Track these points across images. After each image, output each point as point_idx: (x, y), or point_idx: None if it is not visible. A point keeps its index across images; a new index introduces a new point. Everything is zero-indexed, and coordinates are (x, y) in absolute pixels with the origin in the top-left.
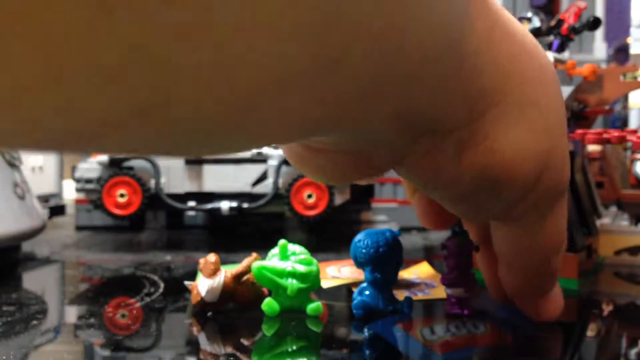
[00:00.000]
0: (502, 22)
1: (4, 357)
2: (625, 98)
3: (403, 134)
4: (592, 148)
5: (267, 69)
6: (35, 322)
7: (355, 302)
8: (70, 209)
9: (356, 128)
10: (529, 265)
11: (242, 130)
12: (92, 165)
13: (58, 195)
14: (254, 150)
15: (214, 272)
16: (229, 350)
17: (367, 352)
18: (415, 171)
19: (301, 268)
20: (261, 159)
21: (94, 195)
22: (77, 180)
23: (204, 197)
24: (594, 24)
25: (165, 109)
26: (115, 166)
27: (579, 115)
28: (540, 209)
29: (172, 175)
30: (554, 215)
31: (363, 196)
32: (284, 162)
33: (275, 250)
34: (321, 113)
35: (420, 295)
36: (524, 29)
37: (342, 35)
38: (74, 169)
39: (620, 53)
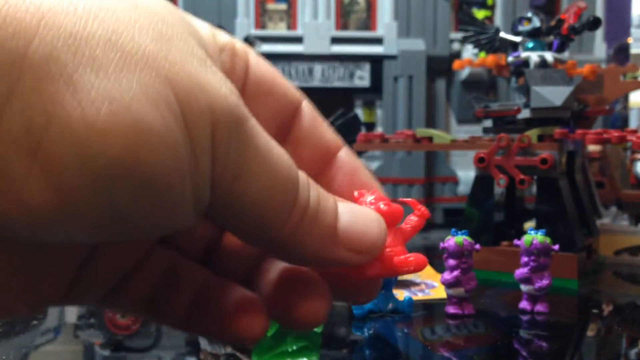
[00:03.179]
0: None
1: (4, 357)
2: (625, 98)
3: None
4: (592, 148)
5: None
6: (35, 322)
7: None
8: None
9: None
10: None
11: None
12: None
13: None
14: None
15: None
16: (229, 350)
17: (367, 352)
18: None
19: None
20: None
21: None
22: None
23: None
24: (594, 24)
25: None
26: None
27: (579, 115)
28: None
29: None
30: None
31: None
32: None
33: None
34: None
35: (420, 295)
36: None
37: None
38: None
39: (620, 53)
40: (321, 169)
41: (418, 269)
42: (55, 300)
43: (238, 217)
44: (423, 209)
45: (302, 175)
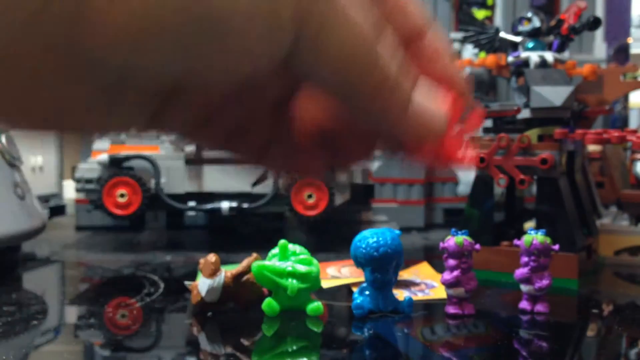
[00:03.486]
0: None
1: (4, 357)
2: (625, 98)
3: None
4: (592, 148)
5: None
6: (35, 322)
7: (355, 302)
8: (70, 209)
9: None
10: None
11: None
12: (92, 165)
13: (58, 195)
14: None
15: (214, 272)
16: (229, 350)
17: (367, 352)
18: None
19: (301, 268)
20: None
21: (94, 195)
22: (77, 180)
23: (204, 197)
24: (594, 24)
25: None
26: (115, 166)
27: (579, 115)
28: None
29: (172, 175)
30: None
31: (363, 196)
32: None
33: (275, 250)
34: None
35: (420, 295)
36: None
37: None
38: (74, 169)
39: (620, 53)
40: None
41: (466, 163)
42: (134, 128)
43: (321, 73)
44: (478, 109)
45: (389, 42)
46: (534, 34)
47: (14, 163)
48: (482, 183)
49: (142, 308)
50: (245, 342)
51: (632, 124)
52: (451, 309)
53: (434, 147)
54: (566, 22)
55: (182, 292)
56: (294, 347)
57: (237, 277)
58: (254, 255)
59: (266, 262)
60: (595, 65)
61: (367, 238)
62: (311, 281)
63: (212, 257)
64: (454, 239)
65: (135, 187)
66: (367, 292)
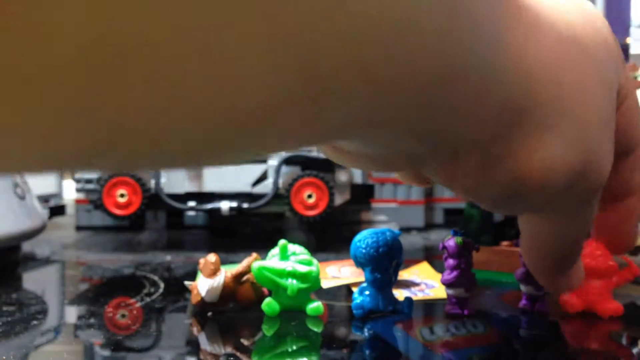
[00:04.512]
0: (542, 17)
1: (4, 357)
2: None
3: (418, 146)
4: None
5: (251, 95)
6: (35, 322)
7: (355, 302)
8: (70, 209)
9: (362, 140)
10: (550, 251)
11: (232, 147)
12: None
13: (58, 195)
14: None
15: (214, 272)
16: (229, 350)
17: (367, 352)
18: (436, 176)
19: (301, 268)
20: (261, 159)
21: (94, 195)
22: (77, 180)
23: (204, 197)
24: None
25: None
26: None
27: None
28: (571, 208)
29: (172, 175)
30: (585, 209)
31: (363, 196)
32: (284, 162)
33: (275, 251)
34: (313, 134)
35: (420, 295)
36: (576, 5)
37: (331, 65)
38: None
39: None
40: (621, 153)
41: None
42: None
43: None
44: (634, 268)
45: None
46: None
47: None
48: None
49: (142, 308)
50: (245, 342)
51: None
52: (451, 309)
53: (577, 299)
54: None
55: (182, 292)
56: (294, 347)
57: (237, 277)
58: (254, 255)
59: (266, 262)
60: None
61: (367, 238)
62: (311, 281)
63: (212, 257)
64: (454, 239)
65: (135, 187)
66: (367, 292)
